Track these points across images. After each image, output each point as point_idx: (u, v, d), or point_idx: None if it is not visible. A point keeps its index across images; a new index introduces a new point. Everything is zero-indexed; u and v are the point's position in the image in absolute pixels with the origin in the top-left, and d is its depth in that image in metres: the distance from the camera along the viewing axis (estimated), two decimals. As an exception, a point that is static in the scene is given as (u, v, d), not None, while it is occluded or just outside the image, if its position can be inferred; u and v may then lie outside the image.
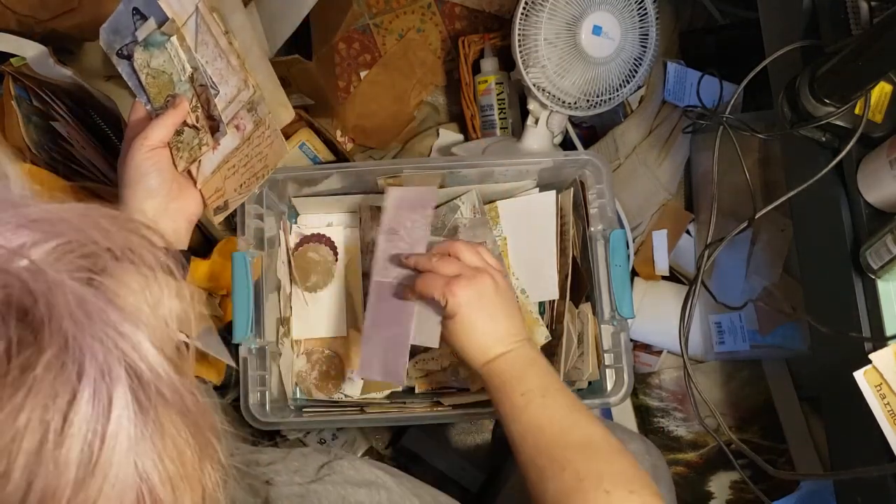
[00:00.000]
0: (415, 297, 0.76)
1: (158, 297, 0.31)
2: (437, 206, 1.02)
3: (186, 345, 0.32)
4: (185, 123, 0.71)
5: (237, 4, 0.67)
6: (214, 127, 0.71)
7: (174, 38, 0.70)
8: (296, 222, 1.03)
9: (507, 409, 0.65)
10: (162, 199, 0.68)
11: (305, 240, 1.01)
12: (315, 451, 0.67)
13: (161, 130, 0.69)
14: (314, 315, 1.00)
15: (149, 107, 0.73)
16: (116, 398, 0.27)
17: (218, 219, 0.75)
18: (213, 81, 0.70)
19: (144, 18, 0.70)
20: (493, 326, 0.70)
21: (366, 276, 1.01)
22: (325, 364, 0.99)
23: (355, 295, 1.00)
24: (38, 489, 0.25)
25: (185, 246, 0.70)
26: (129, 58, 0.71)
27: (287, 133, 1.18)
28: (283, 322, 0.97)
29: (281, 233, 0.99)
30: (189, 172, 0.73)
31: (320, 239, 1.00)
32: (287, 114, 0.70)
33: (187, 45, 0.70)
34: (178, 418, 0.30)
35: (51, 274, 0.28)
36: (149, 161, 0.68)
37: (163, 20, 0.69)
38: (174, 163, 0.72)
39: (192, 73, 0.70)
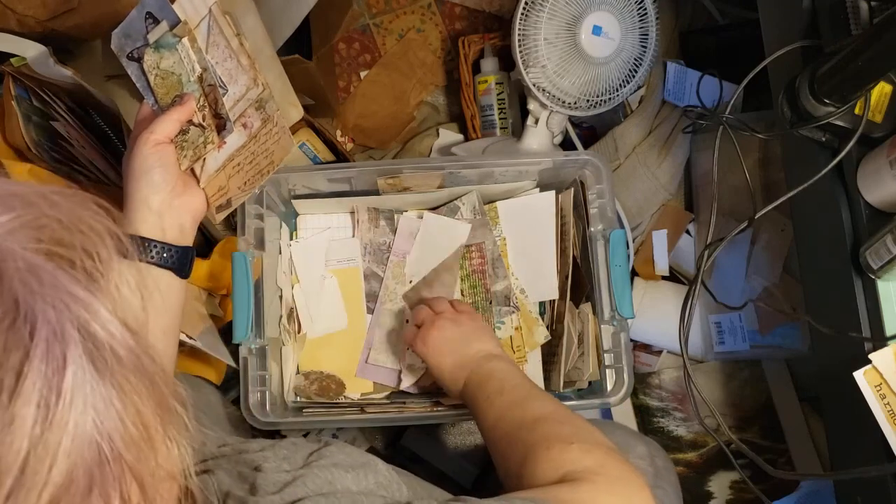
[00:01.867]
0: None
1: (108, 264, 0.32)
2: (437, 208, 1.02)
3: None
4: (190, 122, 0.72)
5: (250, 7, 0.69)
6: (221, 125, 0.72)
7: (185, 40, 0.71)
8: (295, 227, 1.03)
9: (479, 418, 0.72)
10: (166, 194, 0.68)
11: None
12: (306, 441, 0.67)
13: (167, 125, 0.70)
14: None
15: (155, 107, 0.74)
16: (70, 357, 0.28)
17: (220, 217, 0.75)
18: (222, 81, 0.71)
19: (157, 22, 0.71)
20: (454, 361, 0.80)
21: (367, 278, 1.01)
22: (324, 380, 0.99)
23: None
24: None
25: (190, 242, 0.70)
26: (139, 60, 0.72)
27: (287, 133, 1.18)
28: (286, 321, 0.97)
29: (281, 242, 0.99)
30: (192, 171, 0.74)
31: None
32: (296, 112, 0.71)
33: (198, 47, 0.71)
34: (137, 381, 0.30)
35: (3, 244, 0.29)
36: (154, 156, 0.68)
37: (175, 23, 0.70)
38: (179, 160, 0.72)
39: (201, 74, 0.72)
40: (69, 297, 0.29)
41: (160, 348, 0.66)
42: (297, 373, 0.98)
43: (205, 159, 0.73)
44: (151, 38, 0.72)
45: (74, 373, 0.28)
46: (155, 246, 0.65)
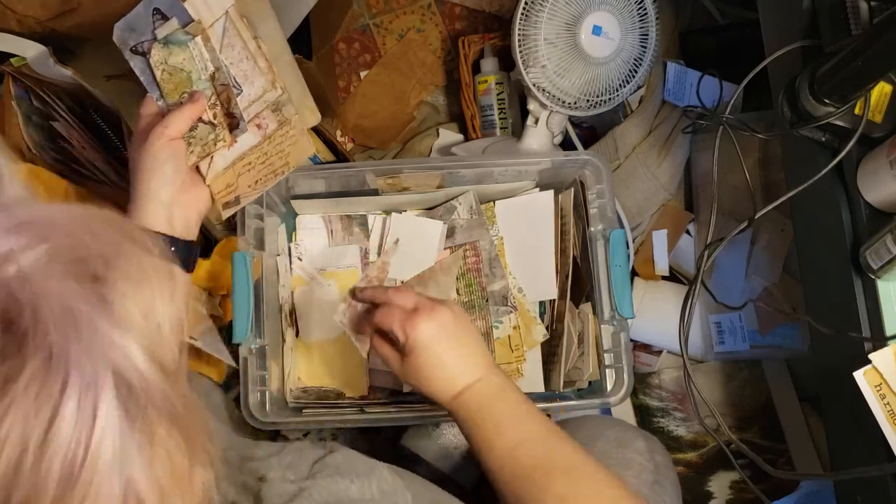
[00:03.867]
0: (371, 331, 0.74)
1: (150, 303, 0.30)
2: (434, 208, 1.02)
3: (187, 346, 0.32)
4: (200, 119, 0.73)
5: (269, 13, 0.70)
6: (234, 124, 0.73)
7: (198, 39, 0.72)
8: (294, 227, 1.03)
9: (480, 441, 0.64)
10: (176, 188, 0.69)
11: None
12: (311, 446, 0.66)
13: (180, 122, 0.71)
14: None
15: (161, 102, 0.75)
16: (101, 408, 0.27)
17: (227, 213, 0.77)
18: (236, 81, 0.72)
19: (165, 18, 0.72)
20: (456, 359, 0.67)
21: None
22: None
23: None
24: (16, 502, 0.25)
25: (195, 237, 0.71)
26: (144, 54, 0.73)
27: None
28: (286, 322, 0.97)
29: (280, 242, 0.99)
30: (198, 168, 0.75)
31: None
32: (313, 117, 0.72)
33: (212, 46, 0.72)
34: (168, 424, 0.29)
35: (38, 281, 0.27)
36: (166, 150, 0.69)
37: (186, 21, 0.71)
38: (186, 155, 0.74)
39: (213, 73, 0.73)
40: (106, 343, 0.28)
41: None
42: (295, 388, 0.98)
43: (213, 156, 0.74)
44: (160, 33, 0.72)
45: (104, 426, 0.27)
46: (163, 240, 0.66)
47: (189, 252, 0.70)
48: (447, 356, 0.67)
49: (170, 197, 0.68)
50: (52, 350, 0.26)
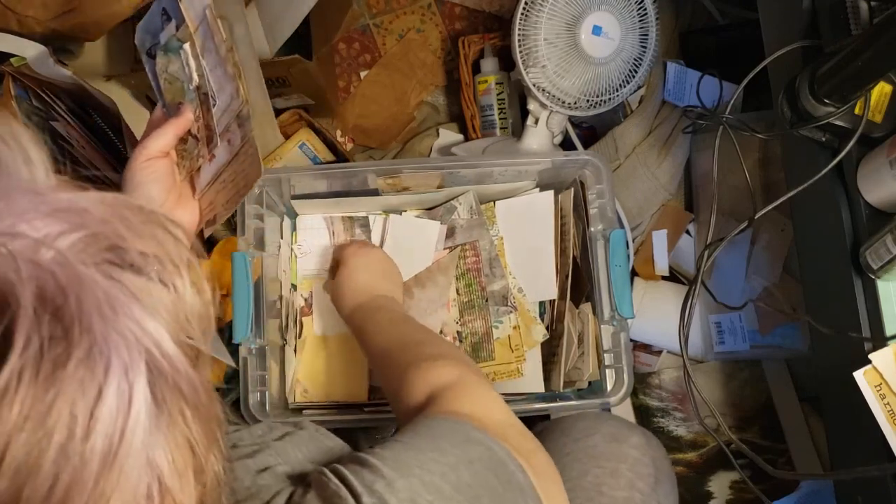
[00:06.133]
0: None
1: (182, 293, 0.32)
2: (434, 208, 1.02)
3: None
4: (189, 133, 0.70)
5: (240, 15, 0.65)
6: (210, 137, 0.69)
7: (187, 46, 0.68)
8: (294, 227, 1.03)
9: (365, 342, 0.78)
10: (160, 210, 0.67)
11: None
12: (281, 424, 0.68)
13: (160, 140, 0.68)
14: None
15: (165, 110, 0.72)
16: (136, 393, 0.28)
17: (207, 232, 0.72)
18: (213, 91, 0.68)
19: (169, 20, 0.68)
20: (366, 281, 0.86)
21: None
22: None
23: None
24: (64, 481, 0.26)
25: None
26: (155, 58, 0.70)
27: (287, 133, 1.18)
28: (286, 321, 0.97)
29: (281, 242, 0.99)
30: (191, 182, 0.71)
31: None
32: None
33: (196, 53, 0.68)
34: (190, 412, 0.31)
35: (79, 267, 0.28)
36: (146, 170, 0.67)
37: (181, 23, 0.67)
38: (178, 170, 0.70)
39: (199, 83, 0.69)
40: (140, 329, 0.29)
41: None
42: (295, 400, 0.97)
43: (200, 171, 0.70)
44: (163, 38, 0.69)
45: (138, 410, 0.28)
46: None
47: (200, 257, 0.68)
48: (359, 275, 0.87)
49: None
50: (96, 336, 0.27)
